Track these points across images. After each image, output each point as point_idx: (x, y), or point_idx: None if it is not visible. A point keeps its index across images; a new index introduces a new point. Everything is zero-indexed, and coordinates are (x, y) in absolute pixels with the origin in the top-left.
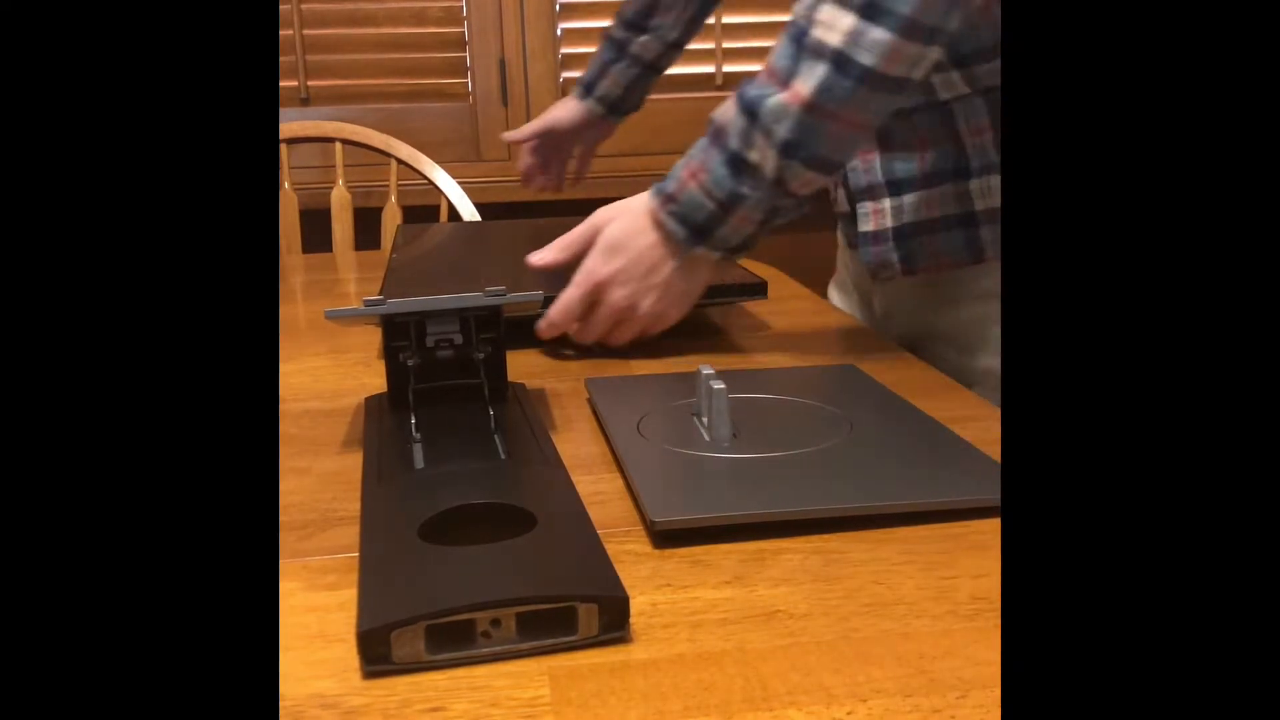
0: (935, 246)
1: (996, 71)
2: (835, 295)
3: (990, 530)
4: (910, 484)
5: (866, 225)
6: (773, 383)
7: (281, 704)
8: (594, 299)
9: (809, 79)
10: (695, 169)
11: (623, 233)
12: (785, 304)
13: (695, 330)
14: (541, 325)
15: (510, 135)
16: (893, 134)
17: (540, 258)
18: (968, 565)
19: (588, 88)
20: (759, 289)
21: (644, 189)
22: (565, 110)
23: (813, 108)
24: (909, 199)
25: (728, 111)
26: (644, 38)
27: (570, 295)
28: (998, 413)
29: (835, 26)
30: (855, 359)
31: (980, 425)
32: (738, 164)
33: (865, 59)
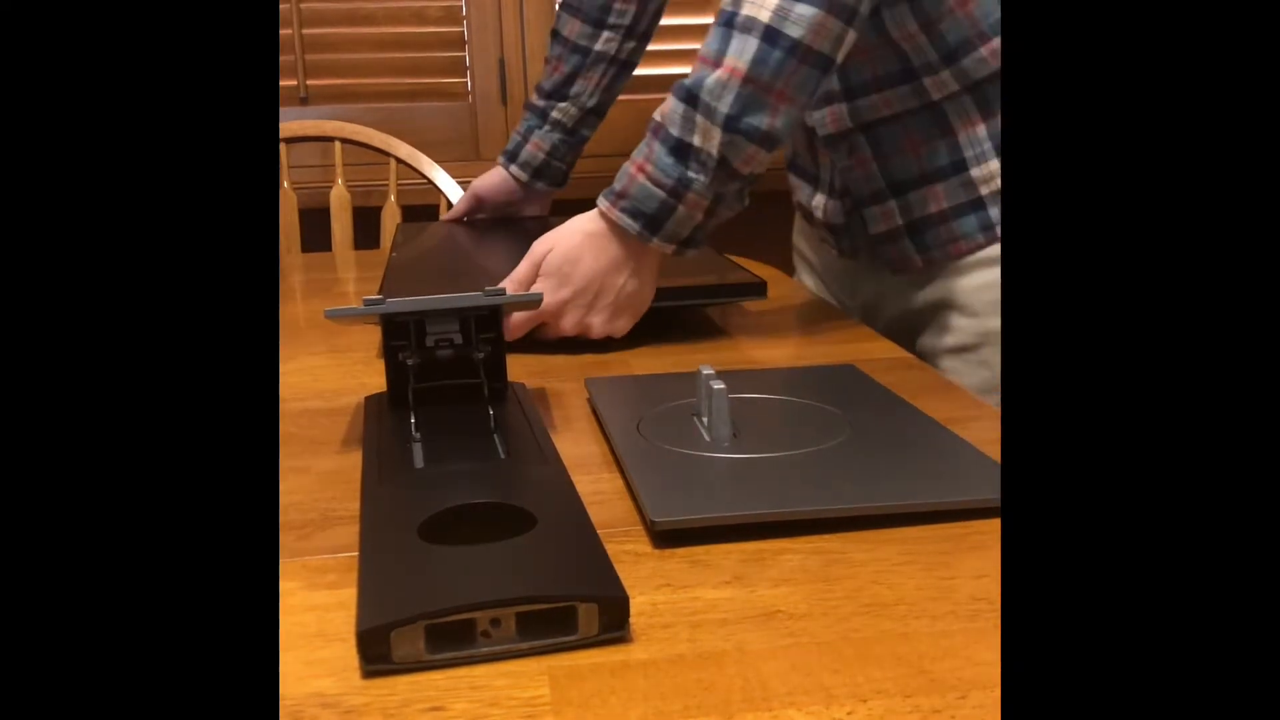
0: (950, 234)
1: (983, 61)
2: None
3: (990, 530)
4: (910, 484)
5: (878, 227)
6: (773, 383)
7: (281, 704)
8: (541, 322)
9: (743, 54)
10: (640, 163)
11: (563, 260)
12: (785, 304)
13: (695, 330)
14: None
15: (445, 219)
16: (882, 140)
17: (509, 326)
18: (968, 565)
19: (510, 156)
20: (759, 289)
21: None
22: (490, 180)
23: (748, 79)
24: (914, 196)
25: (666, 105)
26: (563, 104)
27: (516, 320)
28: (998, 413)
29: (763, 4)
30: (855, 359)
31: (980, 425)
32: (682, 149)
33: (794, 31)
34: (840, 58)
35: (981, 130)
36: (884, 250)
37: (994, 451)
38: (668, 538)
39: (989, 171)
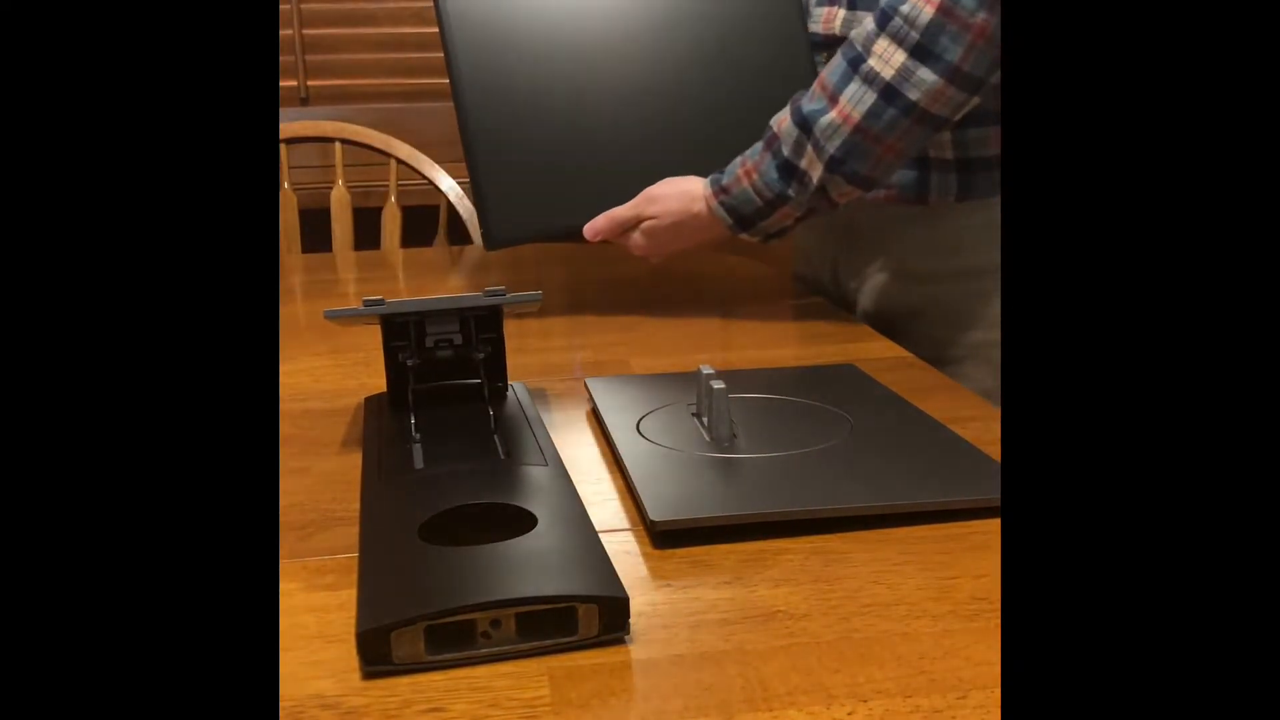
0: (996, 181)
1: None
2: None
3: (990, 530)
4: (910, 484)
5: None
6: (773, 383)
7: (281, 704)
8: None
9: (860, 103)
10: (750, 168)
11: (665, 230)
12: (785, 304)
13: (695, 330)
14: (588, 230)
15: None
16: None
17: (593, 233)
18: (968, 565)
19: None
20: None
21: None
22: None
23: (860, 129)
24: (974, 133)
25: (784, 121)
26: None
27: (600, 227)
28: (998, 413)
29: (889, 61)
30: (855, 359)
31: (980, 425)
32: (788, 170)
33: (912, 94)
34: (959, 117)
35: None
36: (909, 175)
37: (994, 451)
38: (668, 538)
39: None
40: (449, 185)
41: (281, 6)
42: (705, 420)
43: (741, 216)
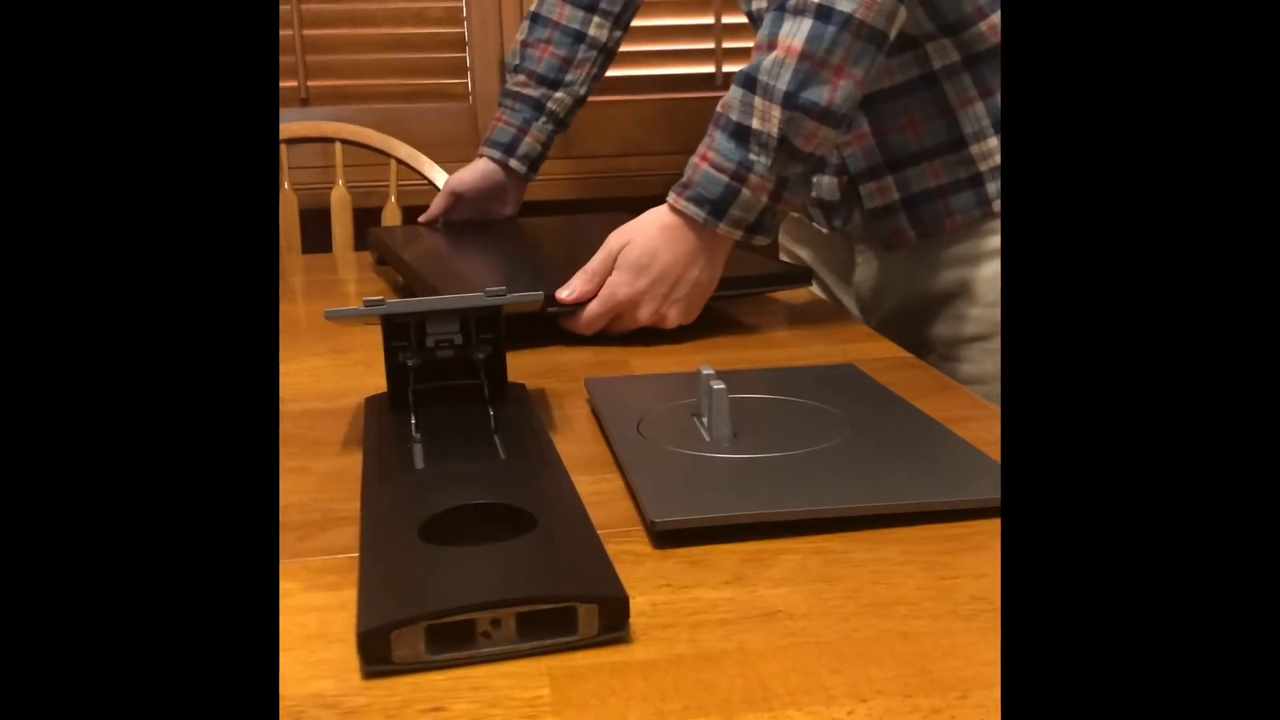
0: (946, 208)
1: (982, 35)
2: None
3: (990, 530)
4: (910, 484)
5: (873, 202)
6: (773, 383)
7: (281, 704)
8: (618, 314)
9: (797, 33)
10: (704, 153)
11: (642, 253)
12: (785, 304)
13: (695, 330)
14: (571, 326)
15: (421, 219)
16: (883, 117)
17: (568, 292)
18: (968, 565)
19: (506, 148)
20: (804, 277)
21: (645, 189)
22: (471, 176)
23: (804, 55)
24: (912, 172)
25: (726, 95)
26: (558, 94)
27: (594, 312)
28: (998, 413)
29: None
30: (855, 359)
31: (980, 425)
32: (742, 133)
33: (846, 6)
34: (894, 34)
35: (980, 108)
36: (878, 226)
37: (994, 451)
38: (668, 538)
39: (988, 148)
40: None
41: (281, 6)
42: (705, 420)
43: (710, 202)
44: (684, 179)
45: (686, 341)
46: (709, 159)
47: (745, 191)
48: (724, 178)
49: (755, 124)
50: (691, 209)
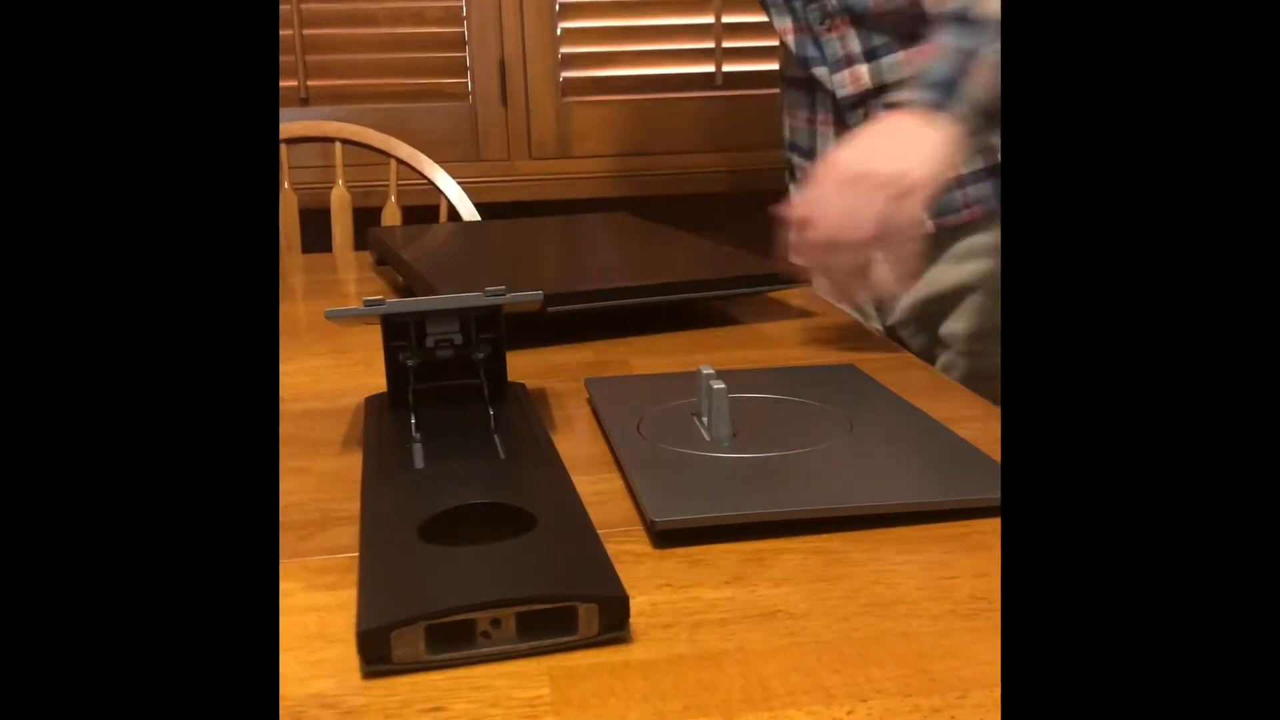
0: (965, 198)
1: None
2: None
3: (990, 530)
4: (910, 484)
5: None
6: (773, 383)
7: (281, 704)
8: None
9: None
10: (929, 51)
11: (863, 147)
12: (785, 304)
13: (695, 330)
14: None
15: None
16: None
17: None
18: (968, 565)
19: None
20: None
21: (645, 189)
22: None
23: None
24: None
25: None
26: None
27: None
28: (998, 412)
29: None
30: (855, 359)
31: (980, 425)
32: (964, 21)
33: None
34: None
35: None
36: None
37: (994, 451)
38: (668, 538)
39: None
40: (449, 185)
41: (281, 6)
42: (705, 420)
43: (937, 83)
44: (907, 78)
45: (687, 342)
46: (930, 54)
47: (973, 75)
48: (948, 64)
49: (976, 12)
50: (920, 94)
